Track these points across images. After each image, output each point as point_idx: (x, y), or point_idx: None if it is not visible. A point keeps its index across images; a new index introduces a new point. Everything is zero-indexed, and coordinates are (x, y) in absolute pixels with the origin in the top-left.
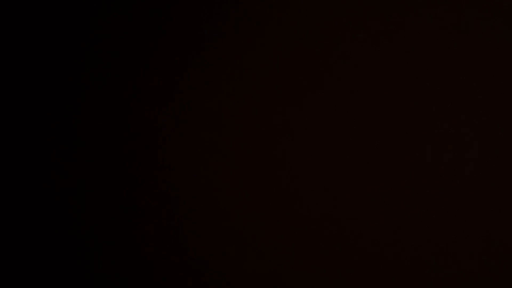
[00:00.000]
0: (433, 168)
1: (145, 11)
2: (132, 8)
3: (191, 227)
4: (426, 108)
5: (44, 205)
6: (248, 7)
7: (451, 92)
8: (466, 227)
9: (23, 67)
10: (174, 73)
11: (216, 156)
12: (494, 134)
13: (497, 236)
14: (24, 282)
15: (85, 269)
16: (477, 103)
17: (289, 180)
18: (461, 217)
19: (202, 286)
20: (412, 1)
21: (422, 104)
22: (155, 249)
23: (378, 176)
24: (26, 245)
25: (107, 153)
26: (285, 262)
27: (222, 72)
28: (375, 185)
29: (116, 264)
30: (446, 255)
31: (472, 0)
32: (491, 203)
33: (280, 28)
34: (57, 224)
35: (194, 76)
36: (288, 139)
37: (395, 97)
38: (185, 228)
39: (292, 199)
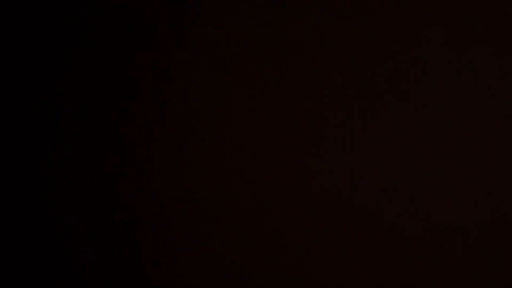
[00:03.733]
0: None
1: (143, 10)
2: (129, 6)
3: (186, 227)
4: (424, 106)
5: (37, 205)
6: (243, 7)
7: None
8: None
9: (17, 66)
10: (169, 72)
11: (211, 156)
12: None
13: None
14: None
15: (79, 270)
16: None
17: (286, 179)
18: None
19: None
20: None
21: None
22: (150, 250)
23: (375, 175)
24: (24, 245)
25: (102, 152)
26: (281, 263)
27: (218, 71)
28: (373, 184)
29: (112, 265)
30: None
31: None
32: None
33: (275, 28)
34: (50, 225)
35: (189, 75)
36: (285, 139)
37: (392, 96)
38: (180, 229)
39: (288, 199)
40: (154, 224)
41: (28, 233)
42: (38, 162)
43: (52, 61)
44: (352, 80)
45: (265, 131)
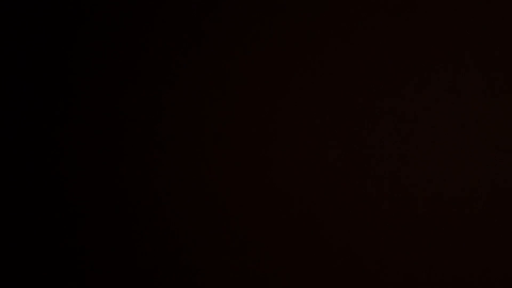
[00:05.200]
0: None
1: (141, 10)
2: (128, 6)
3: (185, 227)
4: (422, 106)
5: (37, 204)
6: (239, 7)
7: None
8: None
9: (19, 66)
10: (167, 73)
11: (211, 156)
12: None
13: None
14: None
15: (79, 269)
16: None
17: (285, 181)
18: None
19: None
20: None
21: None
22: (149, 250)
23: (374, 177)
24: (22, 244)
25: (101, 152)
26: (280, 264)
27: (217, 71)
28: (370, 186)
29: (111, 265)
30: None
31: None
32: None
33: (272, 28)
34: (51, 224)
35: (188, 76)
36: (284, 140)
37: (387, 95)
38: (178, 229)
39: (285, 200)
40: (156, 224)
41: (32, 232)
42: (41, 161)
43: (52, 62)
44: (354, 80)
45: (265, 131)
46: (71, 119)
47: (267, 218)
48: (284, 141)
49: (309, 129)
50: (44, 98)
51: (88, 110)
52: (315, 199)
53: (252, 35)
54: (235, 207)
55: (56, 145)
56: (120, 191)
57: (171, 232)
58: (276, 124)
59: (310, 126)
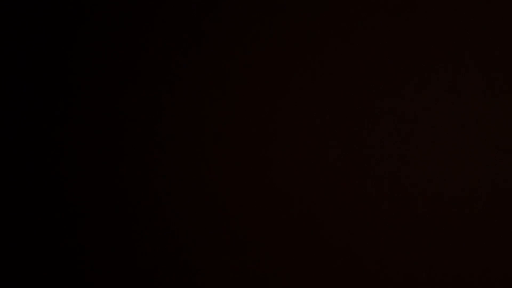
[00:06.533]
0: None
1: (141, 10)
2: (128, 6)
3: (185, 227)
4: (423, 106)
5: (37, 203)
6: (238, 8)
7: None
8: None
9: (19, 66)
10: (167, 73)
11: (211, 156)
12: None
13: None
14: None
15: (79, 269)
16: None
17: (285, 181)
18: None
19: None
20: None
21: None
22: (149, 250)
23: (374, 177)
24: (21, 244)
25: (101, 152)
26: (280, 264)
27: (217, 71)
28: (370, 186)
29: (111, 265)
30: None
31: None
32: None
33: (271, 29)
34: (51, 224)
35: (188, 76)
36: (284, 140)
37: (387, 95)
38: (178, 229)
39: (285, 200)
40: (156, 225)
41: (32, 232)
42: (42, 161)
43: (52, 62)
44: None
45: (265, 131)
46: (71, 119)
47: (267, 218)
48: (284, 141)
49: (309, 129)
50: (44, 98)
51: (88, 110)
52: (315, 199)
53: (252, 35)
54: (235, 207)
55: (56, 145)
56: (120, 191)
57: (171, 232)
58: (276, 124)
59: (310, 126)
